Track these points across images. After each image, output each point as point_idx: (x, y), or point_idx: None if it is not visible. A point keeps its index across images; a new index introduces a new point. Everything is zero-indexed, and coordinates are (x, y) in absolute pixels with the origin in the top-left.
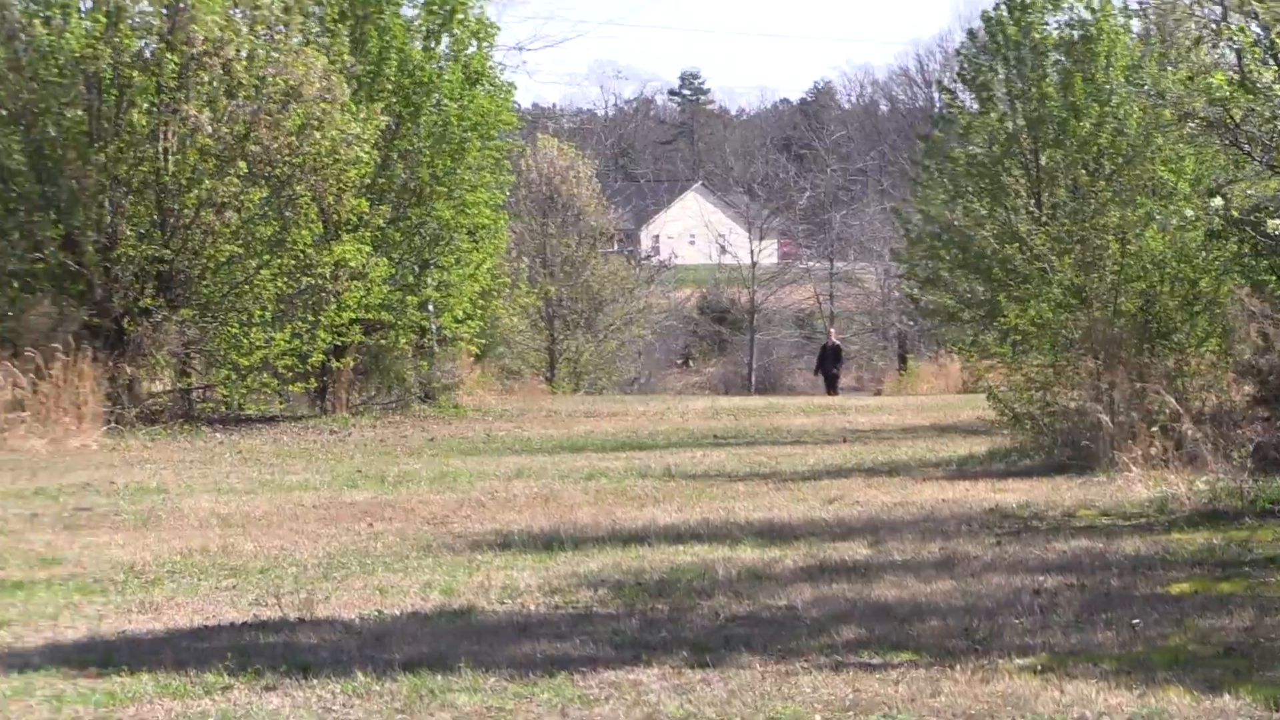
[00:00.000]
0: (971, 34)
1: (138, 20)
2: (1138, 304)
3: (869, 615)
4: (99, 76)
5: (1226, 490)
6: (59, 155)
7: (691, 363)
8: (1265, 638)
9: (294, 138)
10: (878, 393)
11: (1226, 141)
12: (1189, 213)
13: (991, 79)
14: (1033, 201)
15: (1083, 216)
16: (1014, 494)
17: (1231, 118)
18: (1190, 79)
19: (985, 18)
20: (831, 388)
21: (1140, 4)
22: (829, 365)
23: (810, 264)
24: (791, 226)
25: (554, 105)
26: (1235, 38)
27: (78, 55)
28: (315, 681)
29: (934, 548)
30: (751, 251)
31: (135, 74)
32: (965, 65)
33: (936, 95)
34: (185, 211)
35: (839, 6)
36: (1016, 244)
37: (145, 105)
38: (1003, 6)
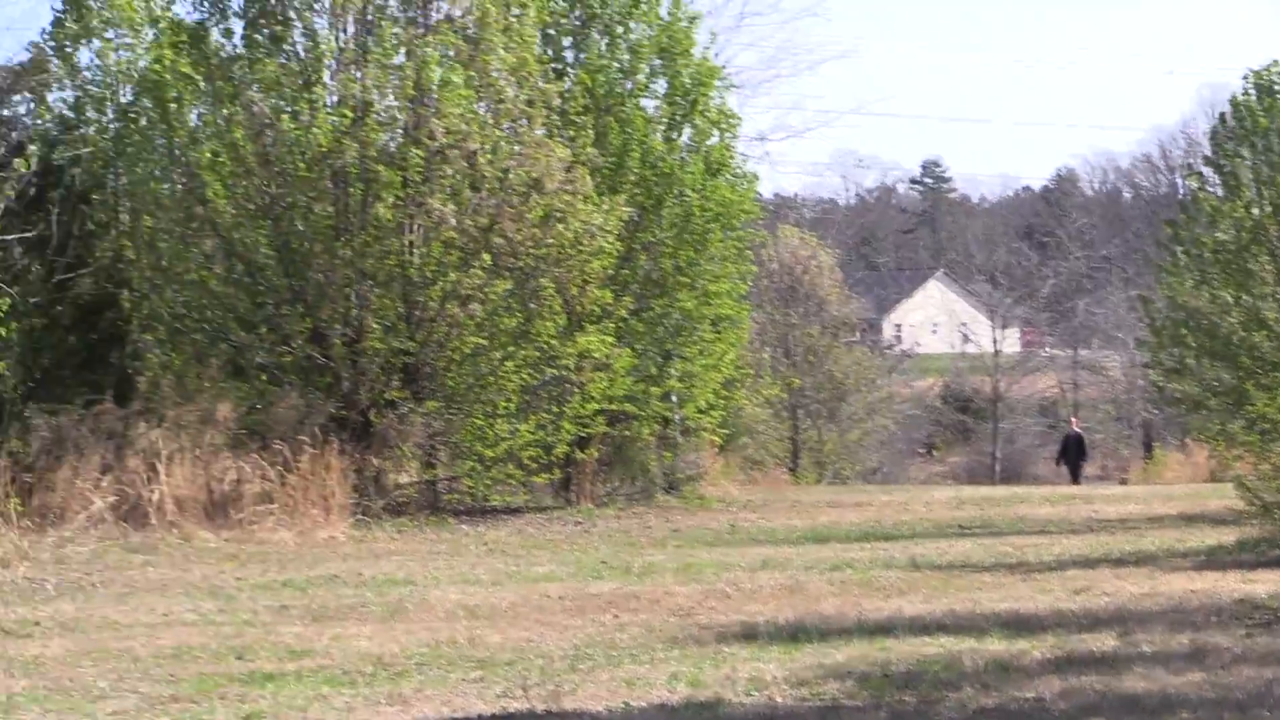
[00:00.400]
0: (1222, 119)
1: (383, 114)
2: None
3: (1118, 708)
4: (345, 170)
5: None
6: (306, 249)
7: (935, 452)
8: None
9: (537, 230)
10: (1123, 482)
11: None
12: None
13: (1238, 165)
14: None
15: None
16: (1264, 584)
17: None
18: None
19: (1233, 103)
20: (1075, 477)
21: None
22: (1072, 455)
23: (1053, 352)
24: (1034, 314)
25: (795, 195)
26: None
27: (325, 150)
28: None
29: (1183, 639)
30: (994, 340)
31: (381, 168)
32: (1215, 150)
33: (1180, 181)
34: (430, 304)
35: (1080, 94)
36: (1264, 331)
37: (390, 199)
38: (1250, 91)
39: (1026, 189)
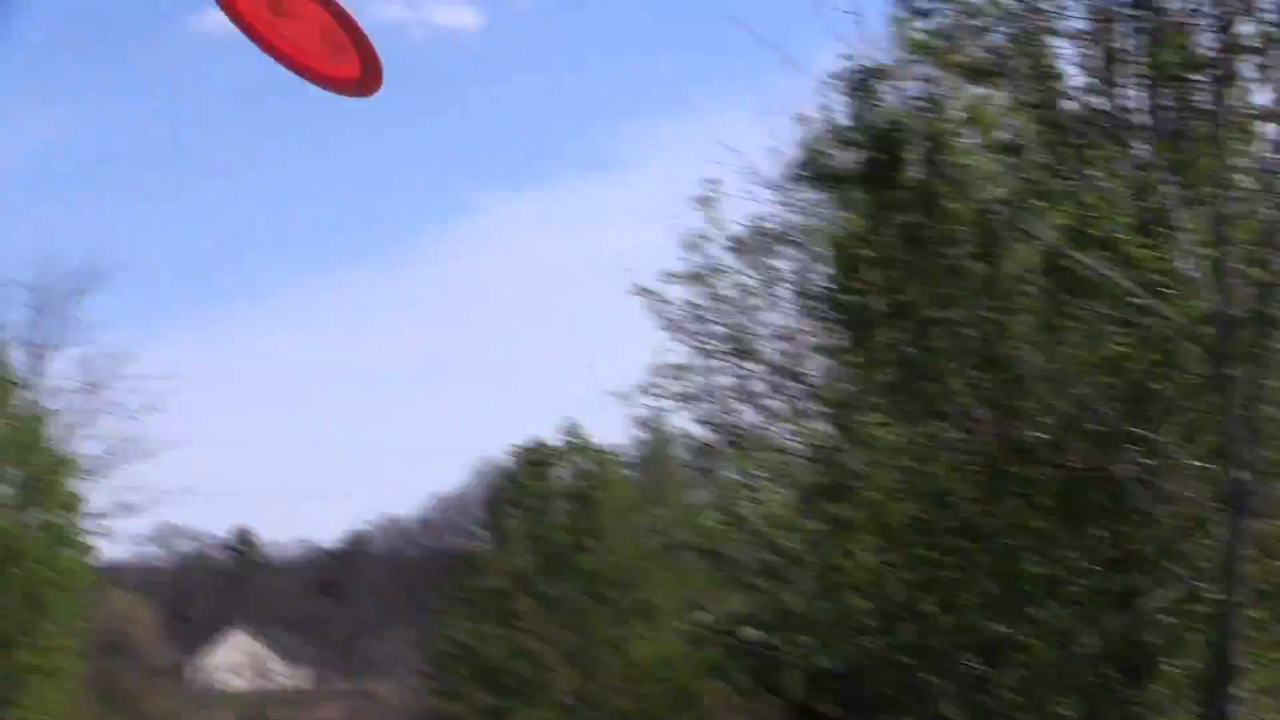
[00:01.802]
0: (501, 484)
1: None
2: None
3: None
4: None
5: None
6: None
7: None
8: None
9: None
10: None
11: None
12: None
13: (508, 524)
14: None
15: None
16: None
17: None
18: None
19: (507, 473)
20: None
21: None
22: None
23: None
24: (321, 654)
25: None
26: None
27: None
28: None
29: None
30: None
31: None
32: (491, 511)
33: (459, 538)
34: None
35: (370, 465)
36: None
37: None
38: (520, 463)
39: (319, 550)
